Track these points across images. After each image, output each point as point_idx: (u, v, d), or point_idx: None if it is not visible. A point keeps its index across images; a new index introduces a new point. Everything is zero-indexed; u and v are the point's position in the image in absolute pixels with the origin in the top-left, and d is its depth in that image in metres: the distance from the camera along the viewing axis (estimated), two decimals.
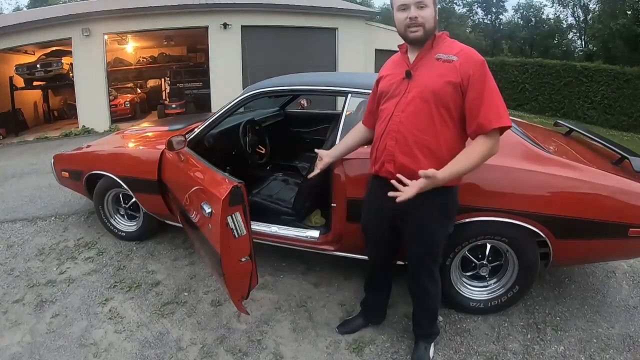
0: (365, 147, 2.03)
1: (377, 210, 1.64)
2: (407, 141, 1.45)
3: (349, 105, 2.17)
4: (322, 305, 2.19)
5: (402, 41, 1.52)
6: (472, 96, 1.36)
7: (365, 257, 2.02)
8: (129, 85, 11.81)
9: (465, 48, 1.42)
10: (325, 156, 1.78)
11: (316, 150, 1.84)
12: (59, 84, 9.47)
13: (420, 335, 1.82)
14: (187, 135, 2.31)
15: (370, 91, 2.13)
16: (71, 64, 8.66)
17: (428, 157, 1.44)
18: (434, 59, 1.42)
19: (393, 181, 1.42)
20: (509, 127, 1.38)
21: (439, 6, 1.49)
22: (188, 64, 12.15)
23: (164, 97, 12.62)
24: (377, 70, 1.65)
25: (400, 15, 1.41)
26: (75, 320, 2.08)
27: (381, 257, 1.81)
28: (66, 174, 2.99)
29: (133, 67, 12.42)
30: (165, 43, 12.22)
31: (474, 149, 1.38)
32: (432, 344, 1.84)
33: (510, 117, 2.65)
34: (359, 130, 1.80)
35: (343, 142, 1.85)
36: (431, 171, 1.33)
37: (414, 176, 1.39)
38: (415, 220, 1.54)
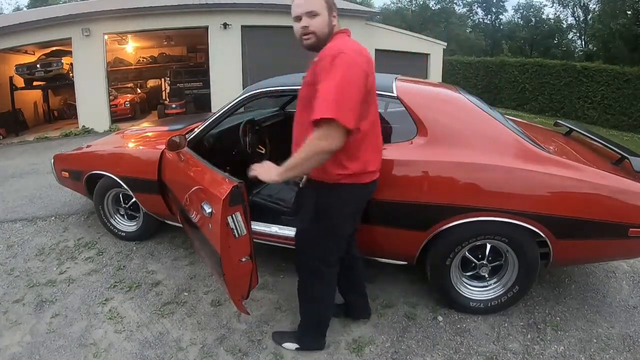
0: None
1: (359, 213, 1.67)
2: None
3: None
4: None
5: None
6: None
7: (365, 257, 2.01)
8: (129, 85, 11.80)
9: (332, 46, 1.38)
10: None
11: None
12: (59, 84, 9.46)
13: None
14: (187, 135, 2.31)
15: None
16: (71, 64, 8.66)
17: None
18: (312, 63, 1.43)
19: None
20: (332, 120, 1.25)
21: (337, 9, 1.48)
22: (188, 64, 12.15)
23: (164, 97, 12.62)
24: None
25: (296, 25, 1.46)
26: (75, 320, 2.08)
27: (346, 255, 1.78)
28: (66, 174, 2.99)
29: (133, 67, 12.40)
30: (165, 43, 12.21)
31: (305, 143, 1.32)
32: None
33: (509, 117, 2.67)
34: None
35: None
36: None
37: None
38: None
